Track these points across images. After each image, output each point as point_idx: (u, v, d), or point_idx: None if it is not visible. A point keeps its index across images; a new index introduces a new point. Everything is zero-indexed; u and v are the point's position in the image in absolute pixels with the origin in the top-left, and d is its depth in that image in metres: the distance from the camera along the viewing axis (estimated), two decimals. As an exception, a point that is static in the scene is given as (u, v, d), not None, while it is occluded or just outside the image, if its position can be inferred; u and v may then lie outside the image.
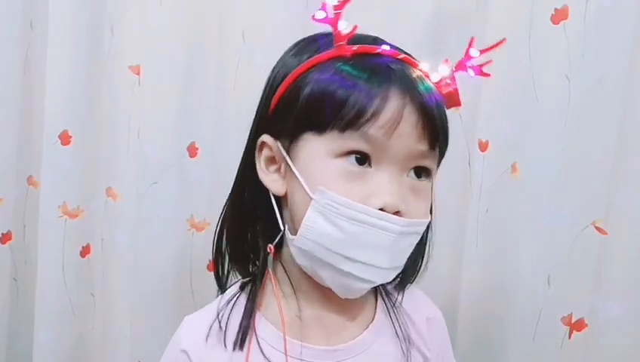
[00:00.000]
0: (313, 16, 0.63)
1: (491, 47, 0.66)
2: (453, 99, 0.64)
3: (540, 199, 0.99)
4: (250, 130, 0.70)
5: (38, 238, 1.20)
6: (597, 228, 0.97)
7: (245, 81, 1.12)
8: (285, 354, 0.65)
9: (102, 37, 1.17)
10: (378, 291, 0.73)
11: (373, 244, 0.61)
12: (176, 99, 1.16)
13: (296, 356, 0.66)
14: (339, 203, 0.60)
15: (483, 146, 1.03)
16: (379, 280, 0.64)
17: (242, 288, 0.71)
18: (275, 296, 0.66)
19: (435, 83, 0.63)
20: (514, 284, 1.02)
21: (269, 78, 0.68)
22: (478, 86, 1.02)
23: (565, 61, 0.96)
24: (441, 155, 0.66)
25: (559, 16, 0.97)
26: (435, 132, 0.62)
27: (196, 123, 1.16)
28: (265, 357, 0.65)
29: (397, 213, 0.61)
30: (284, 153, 0.64)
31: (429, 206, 0.66)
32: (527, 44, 0.99)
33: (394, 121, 0.59)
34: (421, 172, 0.63)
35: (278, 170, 0.66)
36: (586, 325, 0.98)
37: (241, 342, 0.66)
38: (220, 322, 0.67)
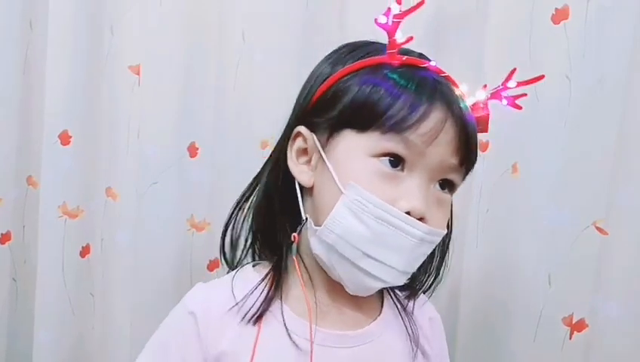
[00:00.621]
0: (376, 19, 0.65)
1: (530, 81, 0.69)
2: (483, 125, 0.68)
3: (540, 199, 0.99)
4: (288, 121, 0.71)
5: (38, 238, 1.20)
6: (597, 228, 0.96)
7: (245, 81, 1.12)
8: (311, 340, 0.66)
9: (102, 37, 1.17)
10: (385, 290, 0.75)
11: (394, 246, 0.63)
12: (176, 99, 1.15)
13: (306, 337, 0.67)
14: (368, 200, 0.62)
15: (483, 146, 1.03)
16: (392, 281, 0.65)
17: (254, 267, 0.73)
18: (299, 282, 0.68)
19: (470, 105, 0.67)
20: (514, 284, 1.02)
21: (313, 74, 0.71)
22: (478, 86, 1.01)
23: (565, 61, 0.96)
24: (466, 174, 0.68)
25: (560, 16, 0.97)
26: (469, 149, 0.65)
27: (196, 123, 1.16)
28: (284, 336, 0.67)
29: (421, 219, 0.63)
30: (319, 146, 0.66)
31: (447, 220, 0.69)
32: (528, 44, 0.99)
33: (435, 131, 0.62)
34: (446, 185, 0.66)
35: (308, 162, 0.68)
36: (587, 325, 0.98)
37: (256, 319, 0.67)
38: (235, 296, 0.69)
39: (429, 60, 0.67)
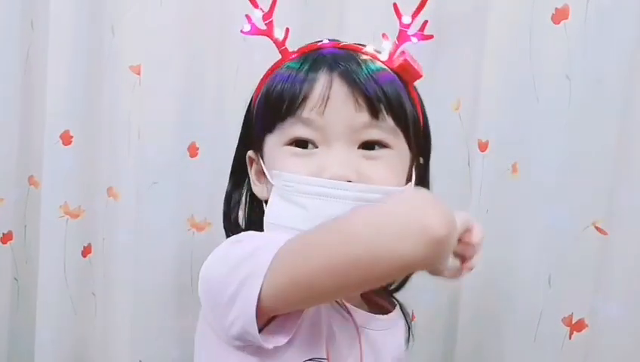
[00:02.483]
0: (241, 30, 0.68)
1: (420, 7, 0.67)
2: (409, 72, 0.66)
3: (540, 199, 0.99)
4: (237, 145, 0.75)
5: (40, 238, 1.20)
6: (597, 228, 0.96)
7: (245, 80, 1.12)
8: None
9: (102, 37, 1.17)
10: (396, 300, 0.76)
11: (333, 215, 0.59)
12: (177, 99, 1.16)
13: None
14: (292, 180, 0.64)
15: (483, 146, 1.03)
16: None
17: None
18: None
19: (386, 61, 0.66)
20: (514, 285, 1.02)
21: None
22: (478, 86, 1.02)
23: (565, 61, 0.96)
24: (403, 126, 0.66)
25: (560, 15, 0.96)
26: (371, 101, 0.63)
27: (196, 123, 1.16)
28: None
29: (349, 182, 0.62)
30: (260, 160, 0.69)
31: (396, 175, 0.67)
32: (528, 44, 0.99)
33: (323, 99, 0.63)
34: (373, 145, 0.65)
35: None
36: (587, 325, 0.98)
37: None
38: None
39: (326, 41, 0.68)
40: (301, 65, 0.65)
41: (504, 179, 1.03)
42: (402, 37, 0.66)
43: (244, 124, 0.74)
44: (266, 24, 0.66)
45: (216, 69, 1.15)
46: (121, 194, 1.17)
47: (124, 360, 1.18)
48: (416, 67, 0.66)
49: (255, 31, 0.67)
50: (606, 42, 0.94)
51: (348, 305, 0.67)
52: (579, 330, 0.98)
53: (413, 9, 0.69)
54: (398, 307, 0.76)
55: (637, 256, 0.94)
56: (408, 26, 0.66)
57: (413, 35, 0.67)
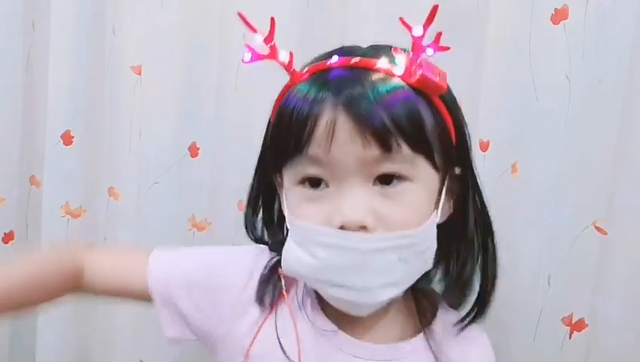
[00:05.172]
0: (242, 60, 0.64)
1: (430, 17, 0.59)
2: (429, 87, 0.60)
3: (540, 199, 0.99)
4: (257, 168, 0.73)
5: (41, 238, 1.21)
6: (597, 228, 0.96)
7: (246, 81, 1.12)
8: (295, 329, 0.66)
9: (103, 37, 1.17)
10: (424, 326, 0.71)
11: (345, 266, 0.58)
12: (178, 99, 1.16)
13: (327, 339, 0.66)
14: (304, 228, 0.60)
15: (483, 146, 1.03)
16: (370, 300, 0.61)
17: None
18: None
19: (402, 76, 0.60)
20: (514, 284, 1.02)
21: None
22: (478, 86, 1.02)
23: (565, 61, 0.96)
24: (423, 150, 0.60)
25: (559, 16, 0.96)
26: (380, 135, 0.57)
27: (197, 123, 1.16)
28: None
29: (364, 227, 0.58)
30: (283, 192, 0.67)
31: (419, 210, 0.62)
32: (527, 44, 0.99)
33: (327, 135, 0.58)
34: (391, 178, 0.60)
35: None
36: (587, 325, 0.98)
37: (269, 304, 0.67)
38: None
39: (335, 54, 0.62)
40: (308, 91, 0.59)
41: (504, 179, 1.03)
42: (416, 48, 0.59)
43: (263, 146, 0.70)
44: (269, 48, 0.62)
45: (217, 69, 1.15)
46: (122, 195, 1.18)
47: (126, 360, 1.19)
48: (436, 80, 0.60)
49: (258, 57, 0.63)
50: (606, 42, 0.94)
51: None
52: (579, 330, 0.98)
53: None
54: (417, 344, 0.69)
55: (637, 256, 0.94)
56: (421, 37, 0.59)
57: (428, 46, 0.59)
